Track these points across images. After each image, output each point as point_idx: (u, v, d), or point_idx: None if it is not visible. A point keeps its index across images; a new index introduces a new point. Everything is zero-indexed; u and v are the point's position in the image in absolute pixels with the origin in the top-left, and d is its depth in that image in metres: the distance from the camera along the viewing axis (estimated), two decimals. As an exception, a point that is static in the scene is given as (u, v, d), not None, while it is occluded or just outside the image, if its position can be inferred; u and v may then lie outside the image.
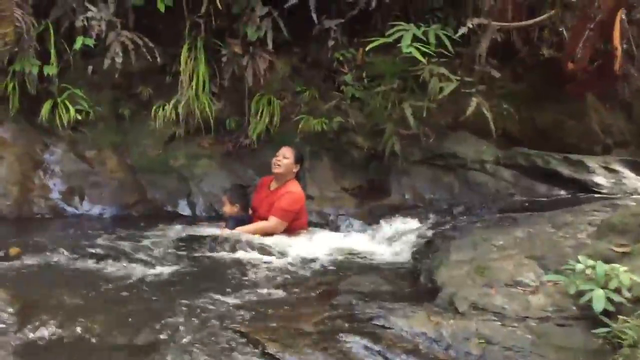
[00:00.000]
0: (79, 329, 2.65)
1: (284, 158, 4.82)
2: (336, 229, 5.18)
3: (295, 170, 4.88)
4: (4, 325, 2.62)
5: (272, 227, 4.63)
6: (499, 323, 2.75)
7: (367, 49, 5.29)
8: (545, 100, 6.33)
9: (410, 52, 5.15)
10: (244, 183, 5.68)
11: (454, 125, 5.99)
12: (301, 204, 4.80)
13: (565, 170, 5.50)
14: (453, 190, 5.55)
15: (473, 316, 2.82)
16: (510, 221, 4.12)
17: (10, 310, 2.74)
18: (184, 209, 5.46)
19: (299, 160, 4.91)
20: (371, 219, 5.19)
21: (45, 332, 2.64)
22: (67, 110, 5.23)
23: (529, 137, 6.23)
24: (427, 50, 5.15)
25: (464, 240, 3.77)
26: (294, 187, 4.82)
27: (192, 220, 5.25)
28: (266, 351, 2.43)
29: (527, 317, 2.81)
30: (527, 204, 4.85)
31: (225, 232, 4.50)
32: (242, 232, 4.51)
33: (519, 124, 6.15)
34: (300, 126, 5.83)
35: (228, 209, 4.82)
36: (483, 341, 2.63)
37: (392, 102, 5.72)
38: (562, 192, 5.31)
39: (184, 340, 2.55)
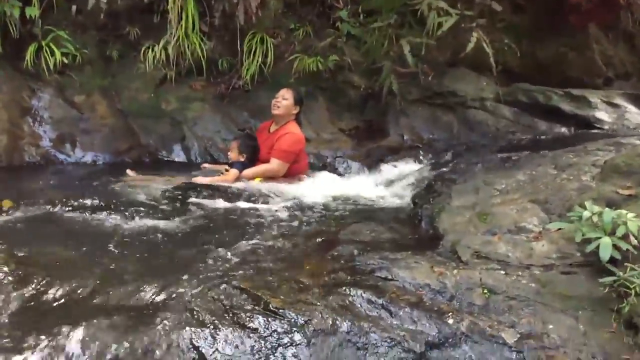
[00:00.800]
0: (76, 289, 2.59)
1: (283, 99, 4.68)
2: (334, 171, 5.10)
3: (294, 111, 4.74)
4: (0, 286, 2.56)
5: (275, 170, 4.55)
6: (503, 272, 2.72)
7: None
8: (547, 32, 6.15)
9: (409, -15, 4.94)
10: (238, 126, 5.55)
11: (452, 62, 5.84)
12: (302, 145, 4.69)
13: (567, 107, 5.40)
14: (452, 129, 5.45)
15: (476, 265, 2.79)
16: (512, 162, 4.05)
17: (6, 269, 2.68)
18: (178, 154, 5.36)
19: (298, 101, 4.77)
20: (369, 161, 5.12)
21: (42, 292, 2.59)
22: (53, 53, 5.04)
23: (529, 72, 6.09)
24: (426, -16, 4.94)
25: (465, 184, 3.71)
26: (294, 128, 4.70)
27: (188, 165, 5.15)
28: (269, 308, 2.39)
29: (531, 265, 2.78)
30: (528, 143, 4.76)
31: (221, 178, 4.43)
32: (245, 176, 4.47)
33: (519, 58, 5.99)
34: (294, 66, 5.66)
35: (234, 155, 4.65)
36: (487, 291, 2.61)
37: (390, 38, 5.55)
38: (564, 129, 5.22)
39: (185, 298, 2.51)
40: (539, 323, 2.45)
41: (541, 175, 3.66)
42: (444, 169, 4.33)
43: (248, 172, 4.54)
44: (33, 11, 4.92)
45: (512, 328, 2.44)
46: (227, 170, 4.56)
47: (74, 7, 5.24)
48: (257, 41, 5.65)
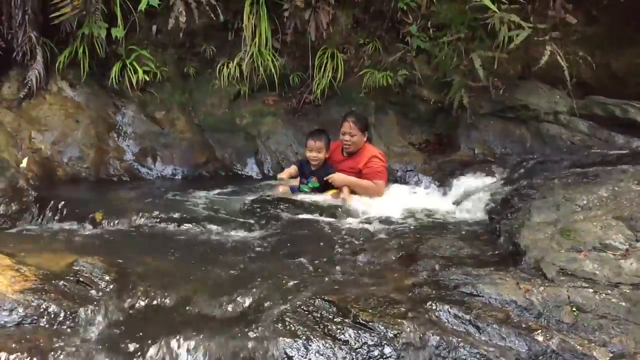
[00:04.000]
0: (170, 298, 2.73)
1: (351, 137, 4.72)
2: (405, 184, 5.13)
3: (364, 138, 4.81)
4: (104, 295, 2.72)
5: (380, 190, 4.67)
6: (591, 290, 2.69)
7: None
8: (621, 43, 6.00)
9: (481, 0, 4.94)
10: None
11: (524, 75, 5.77)
12: (385, 163, 4.80)
13: (645, 120, 5.25)
14: (525, 143, 5.39)
15: (563, 282, 2.77)
16: (590, 178, 3.97)
17: (107, 278, 2.84)
18: (252, 167, 5.52)
19: (365, 128, 4.82)
20: (440, 175, 5.12)
21: (139, 302, 2.73)
22: (135, 71, 5.29)
23: (604, 85, 5.94)
24: (497, -3, 4.93)
25: (544, 200, 3.67)
26: (372, 150, 4.81)
27: (262, 179, 5.30)
28: (358, 320, 2.45)
29: (619, 283, 2.74)
30: (605, 157, 4.65)
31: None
32: (351, 182, 4.59)
33: (593, 70, 5.86)
34: (364, 80, 5.74)
35: (323, 154, 4.66)
36: (575, 309, 2.59)
37: (460, 52, 5.54)
38: (642, 144, 5.08)
39: (275, 309, 2.60)
40: (631, 342, 2.42)
41: (624, 191, 3.59)
42: (520, 184, 4.28)
43: (353, 180, 4.61)
44: (118, 32, 5.20)
45: (603, 347, 2.42)
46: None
47: (154, 27, 5.50)
48: (327, 56, 5.77)
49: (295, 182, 4.76)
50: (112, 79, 5.25)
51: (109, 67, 5.29)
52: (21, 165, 4.39)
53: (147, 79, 5.41)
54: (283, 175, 4.76)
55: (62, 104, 5.10)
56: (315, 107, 5.80)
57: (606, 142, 5.16)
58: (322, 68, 5.73)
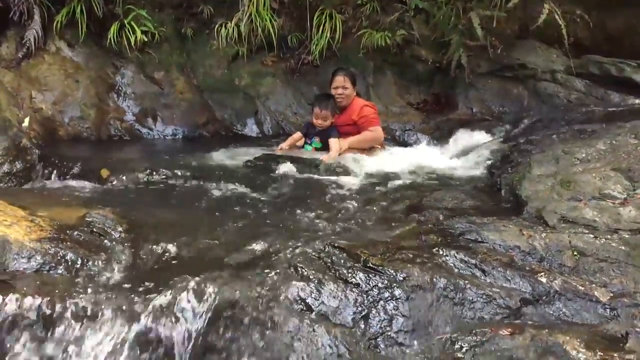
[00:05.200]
0: (182, 247, 2.79)
1: (344, 89, 4.79)
2: (404, 144, 5.19)
3: (354, 93, 4.89)
4: (118, 245, 2.78)
5: (379, 135, 4.77)
6: (591, 235, 2.79)
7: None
8: (617, 4, 6.02)
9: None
10: (308, 101, 5.68)
11: (521, 35, 5.80)
12: (376, 110, 4.86)
13: (640, 77, 5.31)
14: (523, 102, 5.45)
15: (564, 229, 2.86)
16: (588, 133, 4.06)
17: (120, 229, 2.90)
18: (252, 128, 5.55)
19: (355, 82, 4.90)
20: (439, 134, 5.18)
21: (153, 250, 2.79)
22: (134, 32, 5.26)
23: (599, 45, 5.99)
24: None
25: (544, 154, 3.75)
26: (361, 101, 4.87)
27: (262, 138, 5.34)
28: (368, 265, 2.53)
29: (619, 229, 2.84)
30: (602, 114, 4.72)
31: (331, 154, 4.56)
32: (351, 145, 4.65)
33: (589, 30, 5.90)
34: (363, 41, 5.74)
35: (330, 120, 4.67)
36: (576, 253, 2.68)
37: (458, 11, 5.55)
38: (637, 101, 5.14)
39: (287, 255, 2.67)
40: (631, 283, 2.52)
41: (622, 144, 3.67)
42: (518, 140, 4.35)
43: (353, 140, 4.67)
44: (115, -9, 5.16)
45: (604, 287, 2.52)
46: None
47: (151, -13, 5.46)
48: (325, 17, 5.76)
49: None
50: (110, 39, 5.23)
51: (107, 28, 5.26)
52: (23, 125, 4.40)
53: (145, 39, 5.38)
54: (285, 145, 4.78)
55: (61, 64, 5.08)
56: (313, 68, 5.81)
57: (602, 100, 5.23)
58: (320, 29, 5.72)
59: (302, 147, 4.80)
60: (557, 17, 5.21)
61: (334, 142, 4.57)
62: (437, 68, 5.77)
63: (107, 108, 5.11)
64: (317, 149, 4.73)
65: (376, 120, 4.78)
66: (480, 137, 4.86)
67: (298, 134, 4.85)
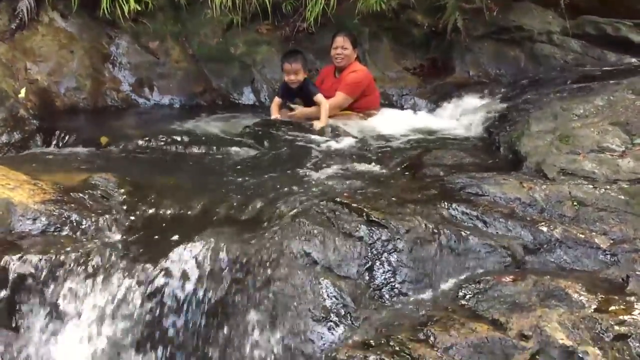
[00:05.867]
0: (189, 206, 2.81)
1: (343, 49, 4.77)
2: (401, 108, 5.19)
3: (355, 55, 4.86)
4: (120, 205, 2.80)
5: (338, 102, 4.67)
6: (591, 186, 2.82)
7: None
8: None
9: None
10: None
11: (517, -3, 5.77)
12: (367, 80, 4.81)
13: (637, 37, 5.29)
14: (519, 64, 5.43)
15: (564, 181, 2.89)
16: (586, 90, 4.06)
17: (122, 191, 2.92)
18: (248, 96, 5.53)
19: (355, 44, 4.88)
20: (436, 97, 5.18)
21: (156, 211, 2.81)
22: (127, 1, 5.21)
23: (595, 6, 5.95)
24: None
25: (542, 111, 3.76)
26: (357, 66, 4.83)
27: (259, 106, 5.33)
28: (371, 219, 2.56)
29: (618, 179, 2.87)
30: (599, 74, 4.72)
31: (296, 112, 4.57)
32: (314, 112, 4.60)
33: (585, -9, 5.86)
34: (358, 6, 5.69)
35: (301, 75, 4.60)
36: (576, 203, 2.72)
37: (454, -26, 5.50)
38: (634, 60, 5.14)
39: (290, 212, 2.69)
40: (631, 230, 2.57)
41: (619, 100, 3.69)
42: (516, 101, 4.36)
43: (312, 109, 4.67)
44: (106, -41, 5.10)
45: (604, 235, 2.56)
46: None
47: (143, -45, 5.39)
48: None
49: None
50: (103, 8, 5.17)
51: (100, -3, 5.21)
52: (20, 96, 4.38)
53: (139, 8, 5.32)
54: (277, 115, 4.73)
55: (54, 35, 5.04)
56: (309, 35, 5.76)
57: (599, 60, 5.22)
58: (315, -6, 5.66)
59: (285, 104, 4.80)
60: (553, -23, 5.18)
61: (321, 100, 4.54)
62: (433, 32, 5.73)
63: (102, 78, 5.09)
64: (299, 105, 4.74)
65: (349, 87, 4.66)
66: (477, 99, 4.86)
67: (276, 99, 4.83)
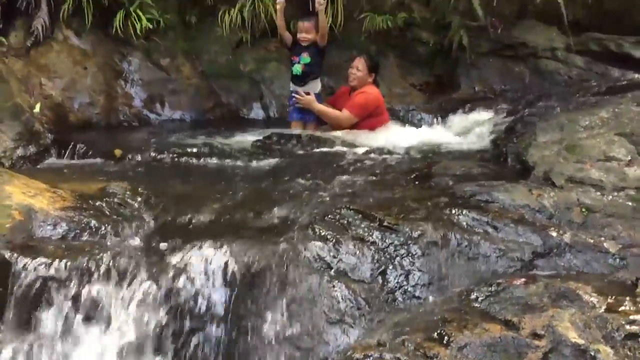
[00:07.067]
0: (204, 213, 2.88)
1: (357, 70, 4.86)
2: (409, 124, 5.26)
3: (370, 79, 4.92)
4: (137, 212, 2.87)
5: (341, 119, 4.78)
6: (598, 193, 2.88)
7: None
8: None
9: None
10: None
11: (521, 14, 5.87)
12: (375, 103, 4.86)
13: (639, 53, 5.39)
14: (524, 79, 5.52)
15: (572, 188, 2.95)
16: (591, 103, 4.14)
17: (138, 199, 3.00)
18: (257, 111, 5.63)
19: (372, 68, 4.93)
20: (443, 113, 5.26)
21: (173, 218, 2.88)
22: (139, 19, 5.33)
23: (597, 23, 6.04)
24: None
25: (548, 122, 3.82)
26: (370, 88, 4.89)
27: (268, 121, 5.42)
28: (384, 224, 2.62)
29: (625, 187, 2.93)
30: (603, 88, 4.80)
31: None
32: (319, 110, 4.82)
33: (586, 9, 5.96)
34: (365, 25, 5.81)
35: (313, 35, 4.91)
36: (585, 209, 2.77)
37: (457, -7, 5.62)
38: (637, 75, 5.22)
39: (303, 219, 2.76)
40: (639, 235, 2.61)
41: (624, 111, 3.75)
42: (522, 114, 4.42)
43: (323, 108, 4.87)
44: (121, -21, 5.23)
45: (613, 240, 2.61)
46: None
47: (155, -24, 5.52)
48: (327, 2, 5.80)
49: None
50: (116, 26, 5.29)
51: (112, 15, 5.31)
52: (35, 110, 4.46)
53: (151, 26, 5.44)
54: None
55: (69, 52, 5.16)
56: (316, 52, 5.87)
57: (602, 76, 5.30)
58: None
59: (291, 65, 4.98)
60: (556, -5, 5.29)
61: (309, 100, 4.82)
62: (438, 50, 5.83)
63: (115, 94, 5.20)
64: (305, 65, 4.88)
65: (355, 107, 4.76)
66: (483, 113, 4.94)
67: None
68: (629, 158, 3.17)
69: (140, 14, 5.37)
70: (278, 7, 5.04)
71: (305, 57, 4.87)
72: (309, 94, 4.87)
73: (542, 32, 5.66)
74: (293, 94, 4.96)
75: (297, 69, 4.90)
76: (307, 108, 4.90)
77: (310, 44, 4.91)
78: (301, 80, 4.89)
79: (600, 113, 3.80)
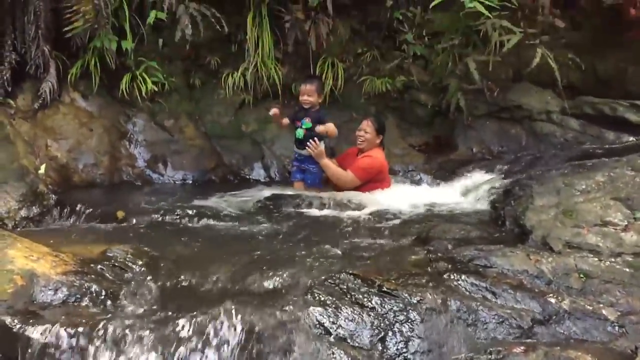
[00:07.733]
0: (203, 278, 2.89)
1: (365, 133, 4.97)
2: (408, 184, 5.32)
3: (378, 141, 5.02)
4: (140, 277, 2.89)
5: (346, 180, 4.85)
6: (596, 259, 2.91)
7: (431, 5, 5.32)
8: (605, 48, 6.28)
9: (474, 7, 5.18)
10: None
11: (516, 78, 6.03)
12: (379, 168, 4.93)
13: (634, 116, 5.49)
14: (521, 141, 5.64)
15: (569, 254, 2.98)
16: (587, 167, 4.21)
17: (140, 262, 3.01)
18: (259, 172, 5.69)
19: (380, 131, 5.04)
20: (441, 173, 5.34)
21: (174, 282, 2.90)
22: (145, 82, 5.47)
23: (591, 87, 6.20)
24: (490, 4, 5.17)
25: (545, 186, 3.89)
26: (377, 152, 4.98)
27: (269, 182, 5.49)
28: (383, 289, 2.63)
29: (622, 252, 2.96)
30: (598, 151, 4.89)
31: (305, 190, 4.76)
32: (325, 164, 4.89)
33: (580, 74, 6.13)
34: (364, 87, 5.97)
35: (315, 99, 4.96)
36: (583, 275, 2.80)
37: (454, 57, 5.79)
38: (632, 138, 5.32)
39: (303, 284, 2.77)
40: (637, 302, 2.63)
41: (619, 176, 3.82)
42: (519, 176, 4.50)
43: (327, 160, 4.93)
44: (128, 44, 5.39)
45: (611, 307, 2.62)
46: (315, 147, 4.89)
47: (161, 40, 5.70)
48: (327, 65, 5.98)
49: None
50: (122, 89, 5.43)
51: (119, 78, 5.46)
52: (40, 172, 4.54)
53: (156, 89, 5.58)
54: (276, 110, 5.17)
55: (75, 114, 5.27)
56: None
57: (597, 138, 5.41)
58: (323, 77, 5.94)
59: (295, 130, 5.05)
60: (550, 60, 5.44)
61: (320, 153, 4.87)
62: (436, 111, 5.97)
63: (119, 155, 5.28)
64: (307, 130, 4.94)
65: (359, 171, 4.84)
66: (481, 175, 5.01)
67: (286, 119, 5.15)
68: (626, 223, 3.22)
69: (146, 77, 5.52)
70: (273, 118, 5.24)
71: (307, 123, 4.96)
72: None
73: (537, 95, 5.80)
74: (296, 152, 5.08)
75: (300, 133, 4.99)
76: (308, 169, 4.99)
77: (312, 108, 5.00)
78: (303, 144, 4.96)
79: (596, 177, 3.86)
